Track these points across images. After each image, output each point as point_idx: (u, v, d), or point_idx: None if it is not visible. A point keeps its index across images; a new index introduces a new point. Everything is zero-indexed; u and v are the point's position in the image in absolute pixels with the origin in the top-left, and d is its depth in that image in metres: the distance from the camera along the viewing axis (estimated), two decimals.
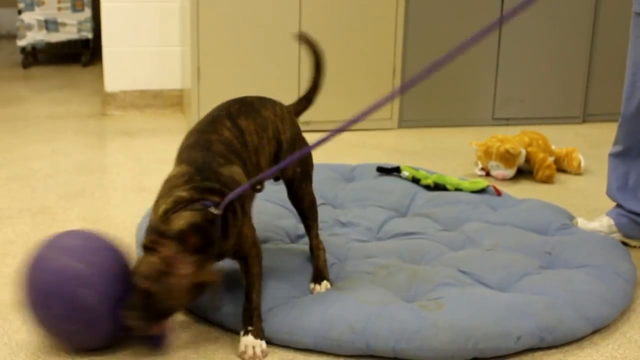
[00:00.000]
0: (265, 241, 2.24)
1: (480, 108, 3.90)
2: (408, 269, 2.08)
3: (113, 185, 2.94)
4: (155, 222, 1.65)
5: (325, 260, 2.06)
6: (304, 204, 2.04)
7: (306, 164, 2.04)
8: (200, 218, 1.63)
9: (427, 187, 2.78)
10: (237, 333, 1.83)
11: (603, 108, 3.97)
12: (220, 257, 1.74)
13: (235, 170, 1.79)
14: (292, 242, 2.31)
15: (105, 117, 3.90)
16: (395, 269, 2.08)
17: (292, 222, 2.41)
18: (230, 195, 1.69)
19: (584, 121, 4.01)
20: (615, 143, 2.42)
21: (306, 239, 2.14)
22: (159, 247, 1.58)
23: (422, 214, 2.54)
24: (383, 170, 2.90)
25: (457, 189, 2.75)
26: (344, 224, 2.42)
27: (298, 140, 2.04)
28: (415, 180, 2.81)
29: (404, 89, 1.78)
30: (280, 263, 2.07)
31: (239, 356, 1.75)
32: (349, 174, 2.94)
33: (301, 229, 2.36)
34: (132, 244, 2.25)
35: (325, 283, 1.99)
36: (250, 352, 1.74)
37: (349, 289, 1.95)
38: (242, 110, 1.93)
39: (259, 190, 1.76)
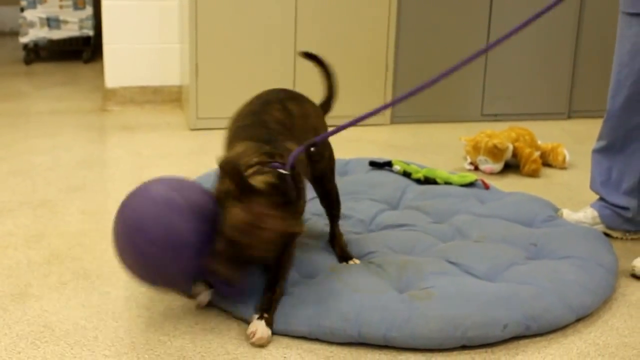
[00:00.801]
0: None
1: (470, 104, 3.97)
2: (399, 260, 2.11)
3: (113, 179, 2.97)
4: (240, 178, 1.67)
5: (346, 244, 2.21)
6: (332, 196, 2.20)
7: (334, 159, 2.20)
8: (275, 178, 1.72)
9: (418, 181, 2.83)
10: (235, 321, 1.88)
11: (587, 105, 4.05)
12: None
13: (291, 145, 1.90)
14: None
15: (106, 113, 3.94)
16: (387, 260, 2.11)
17: None
18: (294, 153, 1.78)
19: (569, 117, 4.08)
20: (599, 139, 2.47)
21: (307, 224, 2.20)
22: (248, 201, 1.65)
23: (412, 207, 2.58)
24: (375, 165, 2.95)
25: (447, 183, 2.80)
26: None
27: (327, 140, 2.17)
28: (406, 174, 2.86)
29: (396, 101, 1.88)
30: None
31: (248, 335, 1.80)
32: (342, 168, 2.98)
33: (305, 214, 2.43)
34: None
35: (354, 259, 2.13)
36: (259, 334, 1.78)
37: (342, 279, 1.99)
38: (290, 97, 2.07)
39: (315, 156, 1.87)
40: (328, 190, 2.19)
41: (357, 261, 2.15)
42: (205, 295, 1.94)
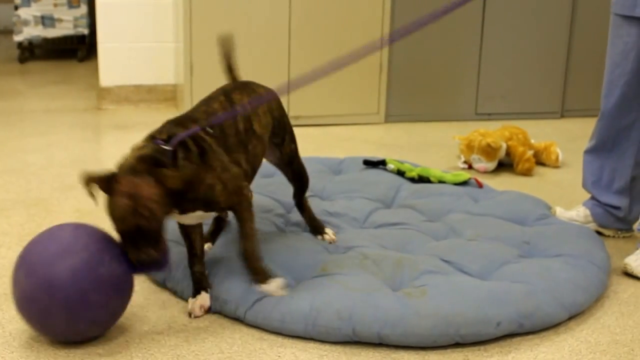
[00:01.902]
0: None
1: (464, 103, 3.98)
2: (393, 258, 2.11)
3: None
4: (89, 178, 1.72)
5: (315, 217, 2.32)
6: (303, 177, 2.28)
7: (295, 141, 2.26)
8: (149, 150, 1.75)
9: (412, 180, 2.84)
10: (229, 320, 1.90)
11: (580, 104, 4.08)
12: (193, 205, 1.81)
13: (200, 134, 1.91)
14: (281, 230, 2.35)
15: (100, 111, 3.94)
16: (380, 258, 2.11)
17: (280, 212, 2.47)
18: (182, 135, 1.81)
19: (562, 116, 4.10)
20: (591, 139, 2.48)
21: (294, 227, 2.22)
22: (115, 187, 1.68)
23: (406, 205, 2.59)
24: (369, 164, 2.95)
25: (441, 182, 2.81)
26: (331, 214, 2.47)
27: (286, 119, 2.23)
28: (400, 173, 2.87)
29: (393, 39, 1.90)
30: (271, 252, 2.12)
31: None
32: (336, 167, 2.99)
33: (291, 219, 2.43)
34: None
35: (329, 231, 2.29)
36: (264, 288, 1.88)
37: (336, 277, 1.99)
38: (237, 87, 2.13)
39: (213, 134, 1.90)
40: (299, 171, 2.27)
41: (332, 235, 2.27)
42: (200, 306, 1.95)
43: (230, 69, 2.22)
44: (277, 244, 2.19)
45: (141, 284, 2.09)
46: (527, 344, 1.87)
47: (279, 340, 1.84)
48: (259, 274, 1.92)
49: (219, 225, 2.26)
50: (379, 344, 1.83)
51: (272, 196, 2.56)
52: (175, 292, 2.04)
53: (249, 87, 2.16)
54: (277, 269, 2.03)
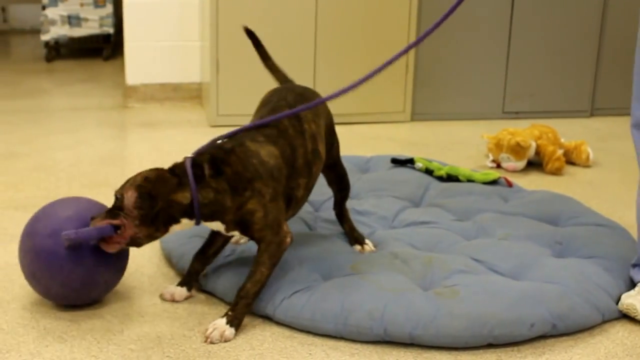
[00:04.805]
0: None
1: (491, 102, 3.95)
2: (423, 257, 2.10)
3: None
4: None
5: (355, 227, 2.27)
6: (346, 179, 2.24)
7: (338, 144, 2.22)
8: (154, 173, 1.78)
9: (440, 178, 2.82)
10: (259, 317, 1.89)
11: (610, 102, 4.03)
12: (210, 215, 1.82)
13: (267, 149, 1.87)
14: (311, 229, 2.36)
15: (127, 109, 3.97)
16: (410, 257, 2.10)
17: (309, 209, 2.47)
18: (203, 146, 1.83)
19: (592, 115, 4.06)
20: (633, 115, 2.12)
21: (324, 224, 2.20)
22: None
23: (435, 204, 2.57)
24: (397, 162, 2.94)
25: (470, 180, 2.79)
26: (359, 213, 2.47)
27: (333, 122, 2.20)
28: (428, 172, 2.85)
29: (419, 41, 1.87)
30: (299, 250, 2.11)
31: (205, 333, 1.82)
32: (364, 165, 2.99)
33: (320, 217, 2.43)
34: None
35: (369, 242, 2.22)
36: (209, 331, 1.79)
37: (366, 276, 1.98)
38: (299, 101, 2.03)
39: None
40: (342, 174, 2.23)
41: (372, 247, 2.20)
42: (171, 295, 1.99)
43: (272, 68, 2.19)
44: (306, 243, 2.18)
45: (171, 280, 2.10)
46: (562, 345, 1.85)
47: (310, 338, 1.84)
48: (237, 317, 1.83)
49: None
50: (410, 344, 1.82)
51: None
52: (204, 290, 2.05)
53: (305, 98, 2.04)
54: (305, 268, 2.03)
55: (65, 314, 1.91)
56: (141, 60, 3.98)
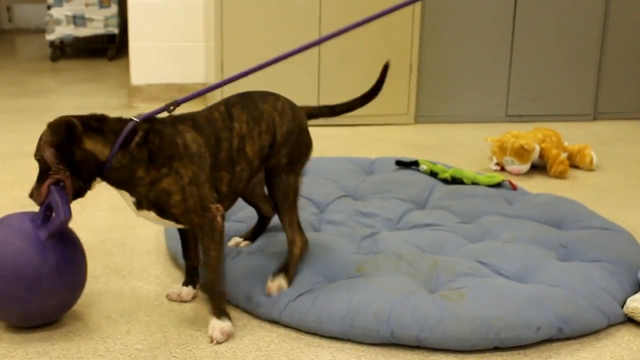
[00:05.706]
0: None
1: (494, 105, 3.96)
2: (428, 259, 2.10)
3: None
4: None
5: (296, 257, 2.00)
6: (277, 194, 1.97)
7: (295, 158, 2.00)
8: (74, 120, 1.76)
9: (445, 181, 2.82)
10: (266, 319, 1.91)
11: (613, 106, 4.04)
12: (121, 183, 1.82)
13: (192, 135, 1.83)
14: (315, 230, 2.36)
15: (131, 110, 3.97)
16: (416, 259, 2.10)
17: (314, 211, 2.47)
18: (132, 125, 1.77)
19: (595, 119, 4.06)
20: None
21: (329, 226, 2.19)
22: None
23: (440, 207, 2.57)
24: (402, 164, 2.94)
25: (474, 183, 2.79)
26: (364, 214, 2.47)
27: (297, 134, 2.01)
28: (433, 174, 2.86)
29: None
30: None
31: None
32: (368, 167, 2.99)
33: (325, 218, 2.44)
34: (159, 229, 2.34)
35: (279, 281, 1.95)
36: (210, 333, 1.81)
37: (372, 278, 1.98)
38: (240, 102, 1.98)
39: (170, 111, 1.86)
40: (274, 186, 1.98)
41: (284, 286, 1.95)
42: (178, 295, 2.00)
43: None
44: (311, 244, 2.16)
45: (177, 280, 2.11)
46: (567, 349, 1.85)
47: (316, 340, 1.84)
48: (215, 308, 1.83)
49: (261, 225, 2.26)
50: (417, 346, 1.82)
51: (306, 195, 2.55)
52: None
53: (250, 101, 1.98)
54: (310, 269, 2.03)
55: (71, 312, 1.91)
56: (146, 61, 3.99)
